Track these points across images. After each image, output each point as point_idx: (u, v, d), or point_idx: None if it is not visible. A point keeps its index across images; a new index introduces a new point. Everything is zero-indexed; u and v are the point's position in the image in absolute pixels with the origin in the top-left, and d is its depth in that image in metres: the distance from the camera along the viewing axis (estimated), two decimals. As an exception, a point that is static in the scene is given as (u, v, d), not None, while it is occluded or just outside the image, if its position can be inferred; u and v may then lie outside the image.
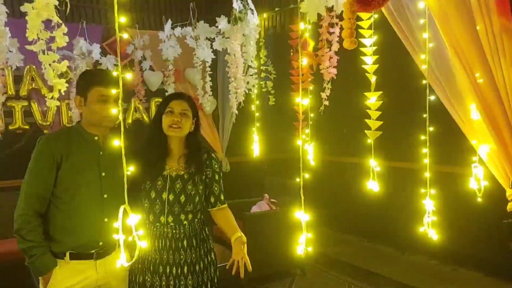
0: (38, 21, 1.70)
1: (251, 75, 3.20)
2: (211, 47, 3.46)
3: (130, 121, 4.70)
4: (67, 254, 1.84)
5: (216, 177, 2.06)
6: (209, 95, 3.76)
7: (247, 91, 3.29)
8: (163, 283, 1.93)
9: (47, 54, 1.83)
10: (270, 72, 4.53)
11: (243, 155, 4.99)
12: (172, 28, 3.60)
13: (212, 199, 2.05)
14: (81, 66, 3.67)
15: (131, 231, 1.35)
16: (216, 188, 2.05)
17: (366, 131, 2.48)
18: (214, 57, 3.56)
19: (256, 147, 3.70)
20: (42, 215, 1.84)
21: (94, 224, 1.86)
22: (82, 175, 1.86)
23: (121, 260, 1.39)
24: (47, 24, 1.84)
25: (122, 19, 1.38)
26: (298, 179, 1.87)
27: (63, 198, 1.85)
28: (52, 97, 1.93)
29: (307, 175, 1.86)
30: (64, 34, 1.91)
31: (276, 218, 3.44)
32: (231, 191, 5.02)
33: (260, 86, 4.34)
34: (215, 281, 2.07)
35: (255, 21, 3.04)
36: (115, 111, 1.81)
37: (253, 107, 3.78)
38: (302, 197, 1.85)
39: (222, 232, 2.13)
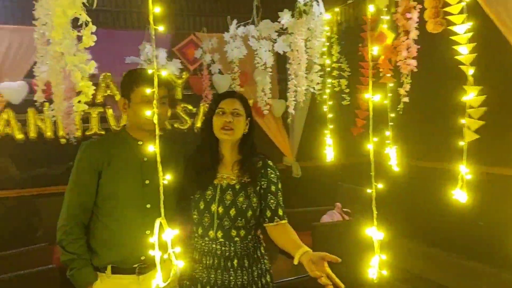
0: (64, 19, 1.61)
1: (315, 72, 2.93)
2: (273, 49, 3.24)
3: (199, 125, 4.69)
4: (108, 268, 1.74)
5: (273, 188, 1.80)
6: (268, 97, 3.55)
7: (312, 90, 3.02)
8: None
9: (75, 55, 1.73)
10: (344, 70, 4.21)
11: (314, 159, 4.72)
12: (237, 28, 3.46)
13: (268, 213, 1.78)
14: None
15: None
16: (272, 201, 1.78)
17: (465, 130, 2.10)
18: (273, 62, 3.34)
19: (329, 151, 3.44)
20: (85, 226, 1.76)
21: (135, 237, 1.72)
22: (123, 183, 1.74)
23: (157, 280, 1.23)
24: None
25: (157, 9, 1.23)
26: (369, 190, 1.59)
27: (104, 208, 1.75)
28: (79, 101, 1.82)
29: (380, 185, 1.57)
30: (91, 37, 1.81)
31: (348, 229, 3.13)
32: (301, 199, 4.80)
33: (332, 85, 4.06)
34: None
35: (321, 13, 2.78)
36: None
37: (325, 108, 3.52)
38: (375, 212, 1.57)
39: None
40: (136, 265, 1.75)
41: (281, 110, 4.79)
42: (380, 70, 3.14)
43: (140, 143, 1.80)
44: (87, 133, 4.15)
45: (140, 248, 1.71)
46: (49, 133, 3.97)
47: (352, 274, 3.33)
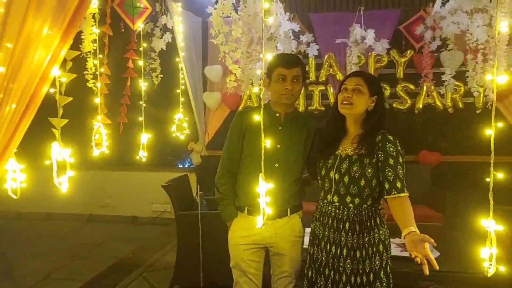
0: (218, 19, 2.03)
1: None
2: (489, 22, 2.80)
3: (420, 105, 4.48)
4: (246, 209, 2.18)
5: (390, 161, 1.82)
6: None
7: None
8: (323, 258, 1.97)
9: (226, 45, 2.14)
10: None
11: None
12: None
13: (387, 185, 1.83)
14: (353, 53, 3.84)
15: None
16: (389, 174, 1.82)
17: None
18: (488, 36, 2.87)
19: None
20: (234, 175, 2.23)
21: None
22: (260, 144, 2.10)
23: (258, 223, 1.57)
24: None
25: None
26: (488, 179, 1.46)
27: (245, 162, 2.19)
28: (230, 80, 2.25)
29: (500, 175, 1.42)
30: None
31: None
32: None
33: None
34: (381, 274, 1.87)
35: None
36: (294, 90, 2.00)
37: None
38: (491, 202, 1.44)
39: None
40: None
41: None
42: None
43: (277, 114, 2.14)
44: (310, 108, 4.69)
45: None
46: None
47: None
